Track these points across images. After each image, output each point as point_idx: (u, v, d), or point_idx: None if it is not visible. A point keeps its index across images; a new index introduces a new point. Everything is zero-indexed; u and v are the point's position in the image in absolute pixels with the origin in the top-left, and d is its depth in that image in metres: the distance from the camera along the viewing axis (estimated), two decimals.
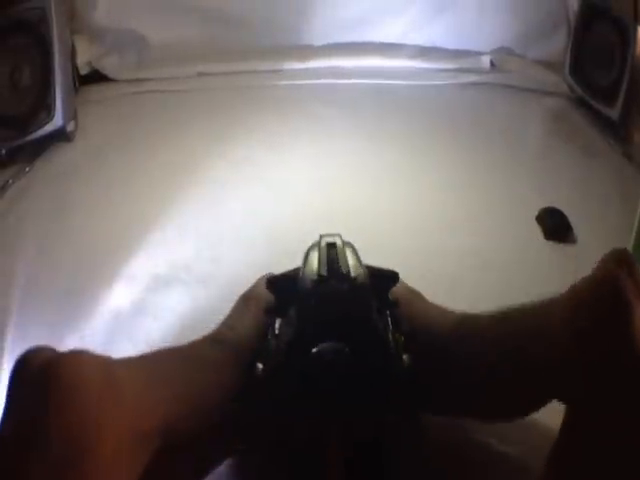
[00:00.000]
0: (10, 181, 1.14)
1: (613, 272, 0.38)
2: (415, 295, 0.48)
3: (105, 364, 0.35)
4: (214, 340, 0.43)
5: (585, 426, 0.37)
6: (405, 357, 0.39)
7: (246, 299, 0.47)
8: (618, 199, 1.10)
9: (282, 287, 0.42)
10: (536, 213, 1.06)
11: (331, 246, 0.43)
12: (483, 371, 0.41)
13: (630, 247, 0.89)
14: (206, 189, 1.12)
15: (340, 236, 0.44)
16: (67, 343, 0.80)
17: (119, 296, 0.89)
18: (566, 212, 1.05)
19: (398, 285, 0.44)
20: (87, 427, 0.32)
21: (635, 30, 1.22)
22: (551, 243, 1.02)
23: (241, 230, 1.01)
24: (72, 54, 1.37)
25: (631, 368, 0.35)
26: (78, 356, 0.35)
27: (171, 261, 0.96)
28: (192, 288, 0.90)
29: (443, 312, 0.46)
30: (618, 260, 0.39)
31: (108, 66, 1.49)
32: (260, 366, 0.38)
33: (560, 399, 0.38)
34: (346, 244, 0.44)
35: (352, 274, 0.39)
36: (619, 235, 0.91)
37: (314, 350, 0.37)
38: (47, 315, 0.86)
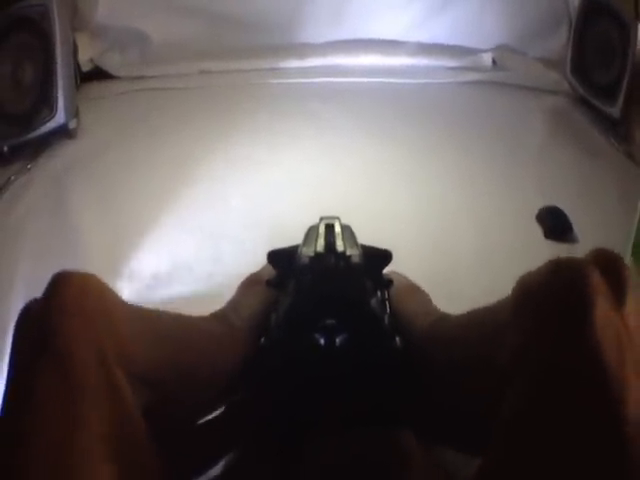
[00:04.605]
0: (12, 178, 1.14)
1: (574, 263, 0.32)
2: (408, 289, 0.48)
3: (109, 295, 0.36)
4: (216, 317, 0.44)
5: (516, 447, 0.31)
6: (397, 338, 0.39)
7: (250, 282, 0.47)
8: (619, 198, 1.10)
9: (283, 261, 0.44)
10: (536, 212, 1.07)
11: (329, 227, 0.44)
12: (445, 378, 0.40)
13: (630, 245, 0.89)
14: (207, 187, 1.12)
15: (339, 219, 0.46)
16: None
17: (120, 294, 0.89)
18: (567, 211, 1.06)
19: (396, 277, 0.45)
20: (80, 350, 0.33)
21: (636, 27, 1.22)
22: (551, 243, 1.02)
23: (242, 229, 1.02)
24: (74, 51, 1.37)
25: (584, 384, 0.30)
26: (86, 277, 0.36)
27: (172, 260, 0.96)
28: (194, 287, 0.91)
29: (426, 310, 0.46)
30: (595, 256, 0.33)
31: (110, 63, 1.49)
32: (262, 339, 0.40)
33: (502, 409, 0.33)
34: (344, 226, 0.45)
35: (347, 253, 0.41)
36: (620, 234, 0.91)
37: (310, 329, 0.38)
38: None
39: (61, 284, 0.35)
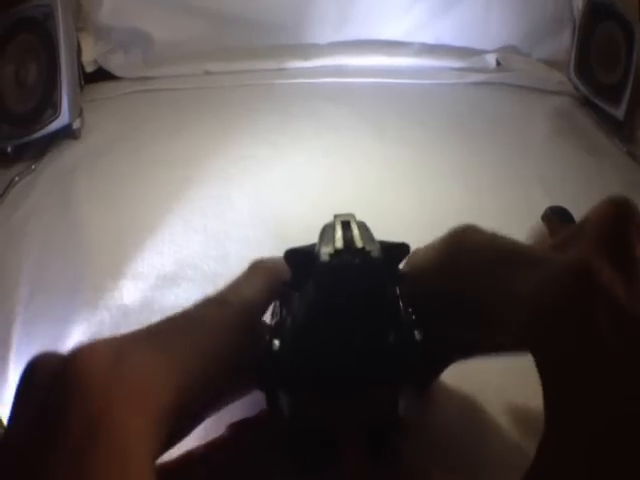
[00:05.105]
0: (16, 178, 1.14)
1: (592, 242, 0.35)
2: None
3: (112, 350, 0.35)
4: (217, 301, 0.43)
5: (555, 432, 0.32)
6: (416, 332, 0.39)
7: (255, 266, 0.47)
8: None
9: (299, 261, 0.43)
10: (542, 212, 1.07)
11: (345, 224, 0.44)
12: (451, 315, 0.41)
13: None
14: (212, 187, 1.12)
15: (354, 215, 0.46)
16: (73, 340, 0.81)
17: (126, 293, 0.90)
18: (572, 211, 1.05)
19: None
20: (99, 417, 0.32)
21: None
22: None
23: (248, 228, 1.02)
24: (78, 52, 1.37)
25: (591, 373, 0.31)
26: (83, 351, 0.35)
27: (178, 259, 0.96)
28: (199, 286, 0.91)
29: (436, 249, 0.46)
30: (615, 216, 0.37)
31: (114, 64, 1.50)
32: (277, 343, 0.39)
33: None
34: (359, 223, 0.45)
35: (367, 249, 0.41)
36: None
37: (332, 330, 0.37)
38: (54, 311, 0.87)
39: (63, 372, 0.34)
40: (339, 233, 0.42)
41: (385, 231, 1.00)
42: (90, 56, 1.47)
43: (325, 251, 0.41)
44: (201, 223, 1.04)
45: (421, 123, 1.32)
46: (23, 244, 1.00)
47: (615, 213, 0.36)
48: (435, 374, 0.48)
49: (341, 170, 1.17)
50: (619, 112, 1.28)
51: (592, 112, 1.37)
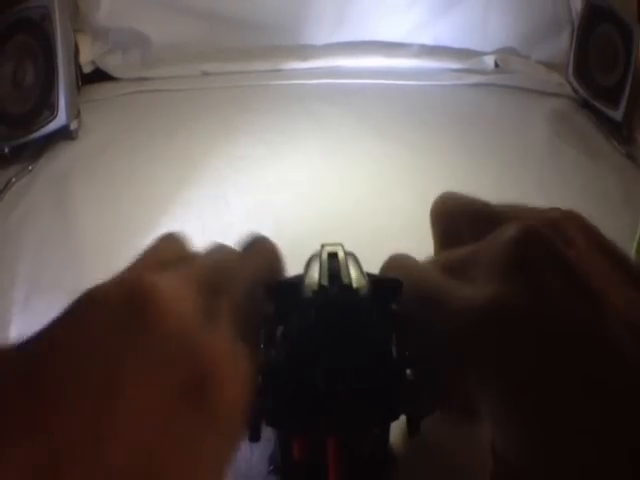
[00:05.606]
0: (13, 179, 1.14)
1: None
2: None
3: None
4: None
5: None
6: (408, 371, 0.37)
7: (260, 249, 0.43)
8: (621, 200, 1.10)
9: (282, 294, 0.41)
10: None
11: (332, 256, 0.42)
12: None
13: (634, 247, 0.89)
14: (209, 188, 1.12)
15: (342, 246, 0.44)
16: None
17: None
18: None
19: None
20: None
21: (638, 32, 1.22)
22: None
23: (244, 229, 1.01)
24: (75, 53, 1.37)
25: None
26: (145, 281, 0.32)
27: None
28: None
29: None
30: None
31: (111, 65, 1.49)
32: (259, 377, 0.37)
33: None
34: (348, 254, 0.43)
35: (354, 285, 0.39)
36: (623, 236, 0.91)
37: (314, 370, 0.36)
38: (50, 312, 0.86)
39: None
40: (325, 267, 0.40)
41: (380, 232, 1.00)
42: (88, 57, 1.47)
43: (309, 286, 0.39)
44: (197, 224, 1.03)
45: (419, 124, 1.32)
46: (20, 245, 0.99)
47: (523, 238, 0.32)
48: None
49: (338, 172, 1.17)
50: (617, 114, 1.27)
51: (591, 114, 1.37)
